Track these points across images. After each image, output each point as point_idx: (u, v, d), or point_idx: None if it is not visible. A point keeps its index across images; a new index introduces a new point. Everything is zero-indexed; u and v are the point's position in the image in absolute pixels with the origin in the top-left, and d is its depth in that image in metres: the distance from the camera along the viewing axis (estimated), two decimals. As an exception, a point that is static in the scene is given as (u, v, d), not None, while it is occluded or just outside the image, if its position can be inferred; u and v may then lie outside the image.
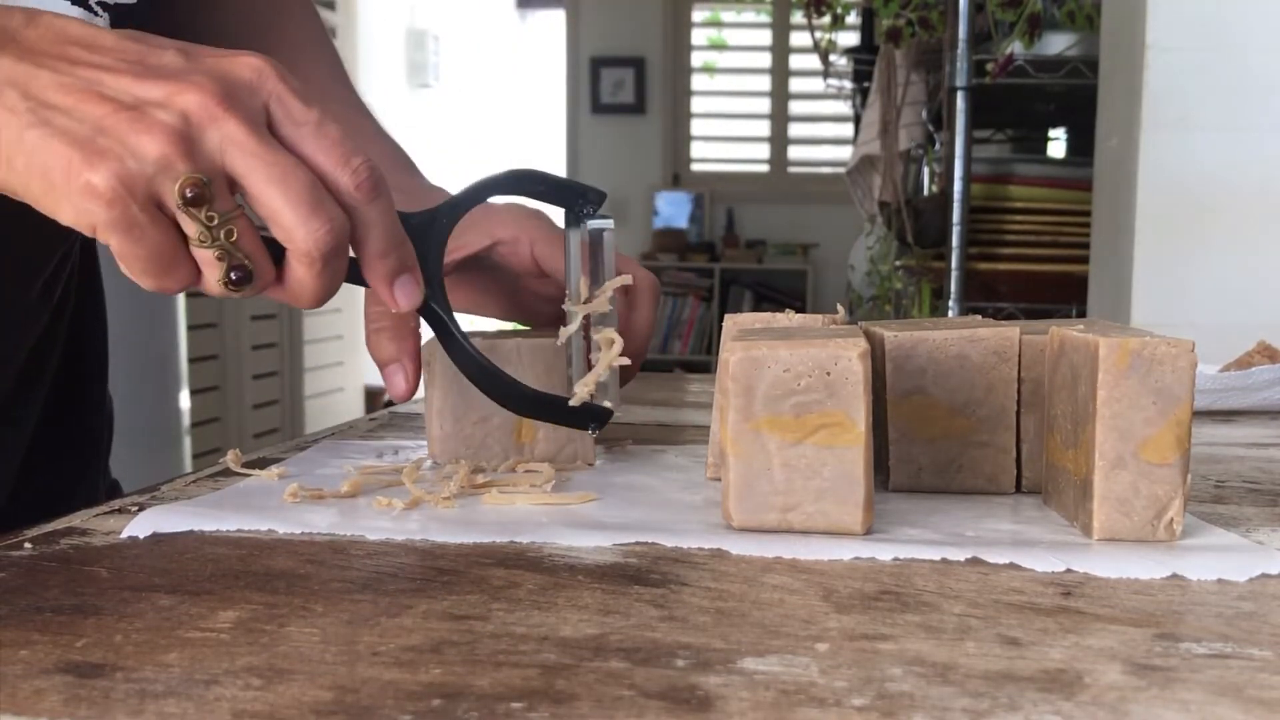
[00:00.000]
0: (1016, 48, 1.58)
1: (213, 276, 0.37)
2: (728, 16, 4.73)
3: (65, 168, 0.34)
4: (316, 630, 0.30)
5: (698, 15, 4.67)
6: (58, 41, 0.36)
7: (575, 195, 0.51)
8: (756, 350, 0.39)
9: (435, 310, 0.44)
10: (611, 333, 0.50)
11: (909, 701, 0.26)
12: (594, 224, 0.51)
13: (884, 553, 0.37)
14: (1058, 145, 2.27)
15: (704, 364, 4.41)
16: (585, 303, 0.51)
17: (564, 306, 0.51)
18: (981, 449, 0.47)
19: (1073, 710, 0.25)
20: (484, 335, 0.54)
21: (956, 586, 0.34)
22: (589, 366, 0.51)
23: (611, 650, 0.29)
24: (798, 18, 4.23)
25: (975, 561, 0.37)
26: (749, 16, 4.69)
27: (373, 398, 3.99)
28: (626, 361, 0.50)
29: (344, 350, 3.70)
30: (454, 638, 0.30)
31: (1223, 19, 1.25)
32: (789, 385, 0.39)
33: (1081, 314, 1.55)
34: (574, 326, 0.50)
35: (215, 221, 0.36)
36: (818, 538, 0.39)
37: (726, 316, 0.51)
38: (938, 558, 0.37)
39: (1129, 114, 1.30)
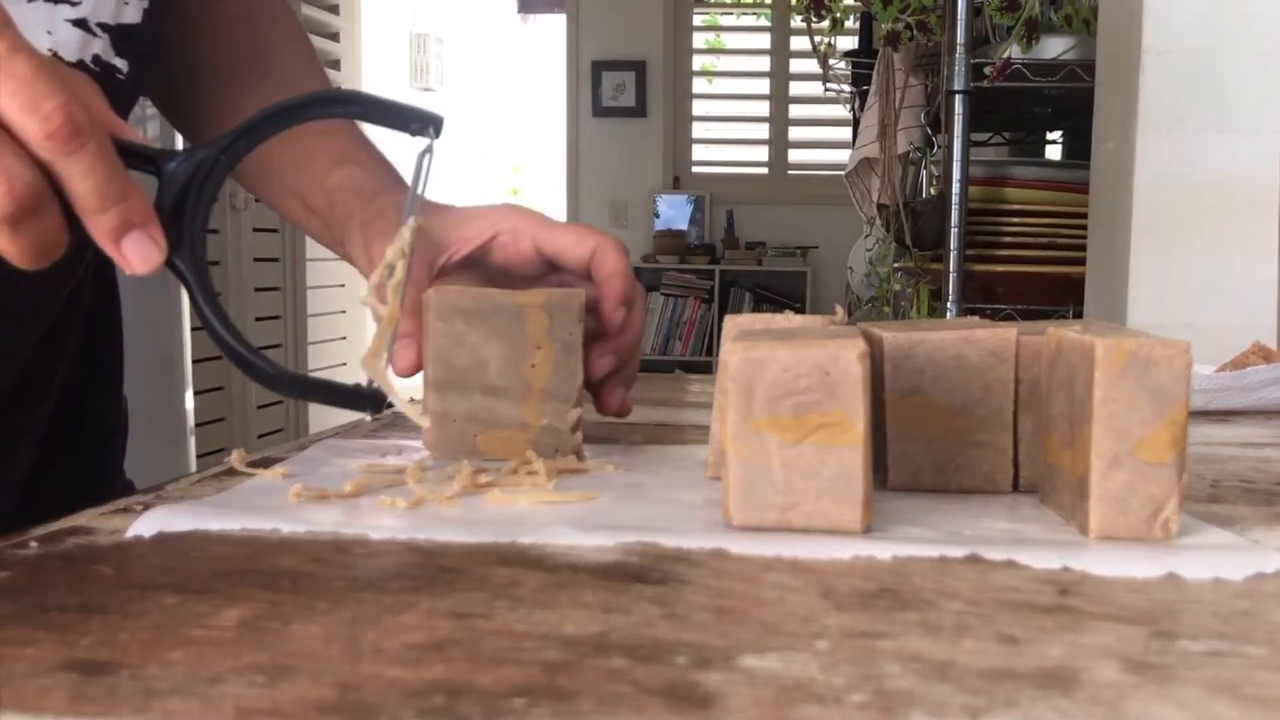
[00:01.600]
0: (1014, 51, 1.59)
1: None
2: (727, 20, 4.73)
3: None
4: (320, 628, 0.30)
5: (698, 19, 4.67)
6: None
7: (404, 118, 0.44)
8: (756, 351, 0.39)
9: (180, 270, 0.39)
10: (378, 302, 0.45)
11: (907, 698, 0.26)
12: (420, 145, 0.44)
13: (883, 551, 0.38)
14: (1055, 148, 2.27)
15: (704, 365, 4.41)
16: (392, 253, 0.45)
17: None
18: (979, 449, 0.47)
19: (1070, 707, 0.26)
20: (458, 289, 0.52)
21: (954, 585, 0.35)
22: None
23: (613, 648, 0.29)
24: (797, 22, 4.23)
25: (973, 560, 0.37)
26: (749, 20, 4.69)
27: (373, 399, 3.99)
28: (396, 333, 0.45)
29: (347, 351, 3.69)
30: (456, 635, 0.30)
31: (1219, 22, 1.25)
32: (788, 386, 0.39)
33: (1078, 315, 1.56)
34: (374, 277, 0.45)
35: None
36: (817, 536, 0.39)
37: (726, 318, 0.51)
38: (936, 556, 0.37)
39: (1125, 117, 1.30)
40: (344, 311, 3.58)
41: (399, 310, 0.46)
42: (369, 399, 0.44)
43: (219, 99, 0.64)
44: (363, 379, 0.45)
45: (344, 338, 3.65)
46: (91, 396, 0.63)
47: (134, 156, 0.39)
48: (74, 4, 0.48)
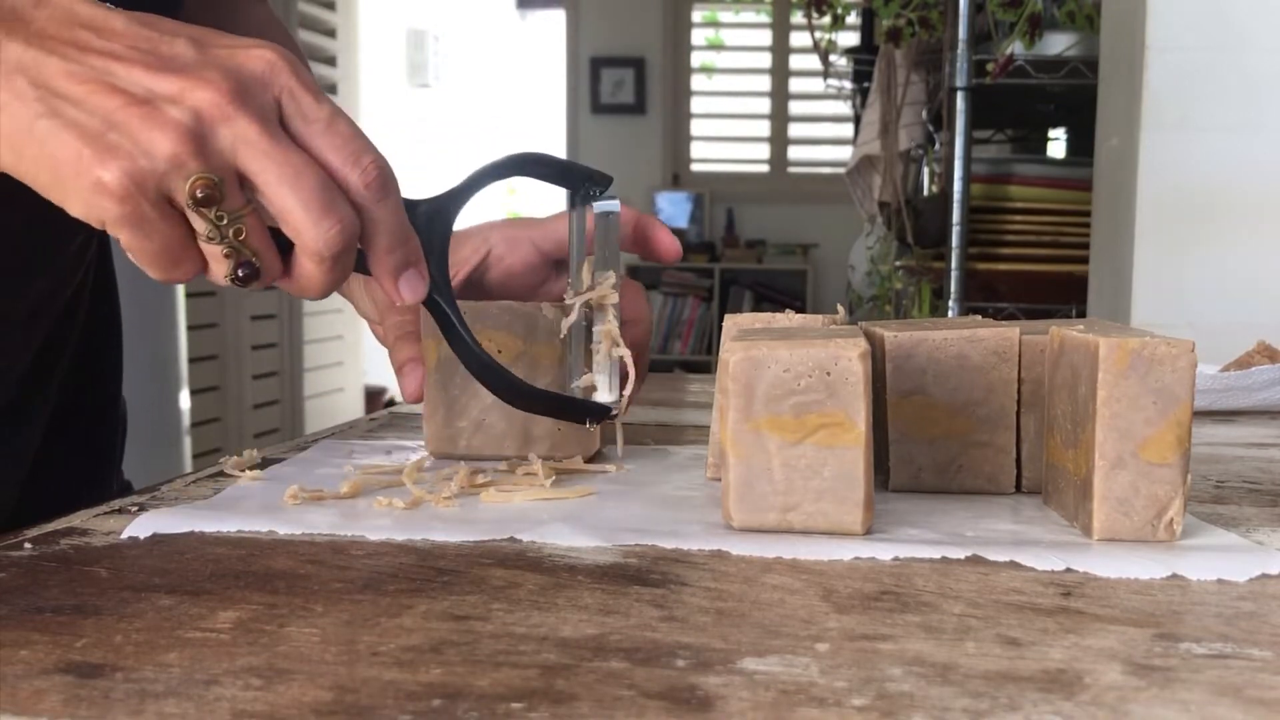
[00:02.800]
0: (1017, 48, 1.58)
1: (220, 271, 0.37)
2: (728, 17, 4.72)
3: (75, 161, 0.34)
4: (316, 630, 0.30)
5: (698, 15, 4.66)
6: (67, 24, 0.35)
7: (581, 178, 0.50)
8: (756, 350, 0.39)
9: (439, 303, 0.44)
10: (613, 326, 0.50)
11: (909, 701, 0.26)
12: (601, 205, 0.50)
13: (884, 553, 0.37)
14: (1058, 145, 2.27)
15: (704, 364, 4.41)
16: (588, 290, 0.50)
17: (565, 297, 0.51)
18: (981, 449, 0.47)
19: (1073, 710, 0.25)
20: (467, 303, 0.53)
21: (956, 587, 0.34)
22: (588, 357, 0.50)
23: (611, 650, 0.29)
24: (798, 18, 4.23)
25: (975, 561, 0.37)
26: (749, 16, 4.69)
27: (372, 398, 3.99)
28: (626, 353, 0.50)
29: (344, 350, 3.69)
30: (454, 638, 0.30)
31: (1223, 19, 1.25)
32: (789, 385, 0.39)
33: (1081, 314, 1.55)
34: (574, 315, 0.50)
35: (224, 220, 0.36)
36: (818, 538, 0.39)
37: (726, 317, 0.51)
38: (938, 557, 0.37)
39: (1129, 114, 1.30)
40: (340, 311, 3.59)
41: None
42: (594, 410, 0.49)
43: None
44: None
45: (340, 337, 3.65)
46: (90, 398, 0.62)
47: None
48: None
